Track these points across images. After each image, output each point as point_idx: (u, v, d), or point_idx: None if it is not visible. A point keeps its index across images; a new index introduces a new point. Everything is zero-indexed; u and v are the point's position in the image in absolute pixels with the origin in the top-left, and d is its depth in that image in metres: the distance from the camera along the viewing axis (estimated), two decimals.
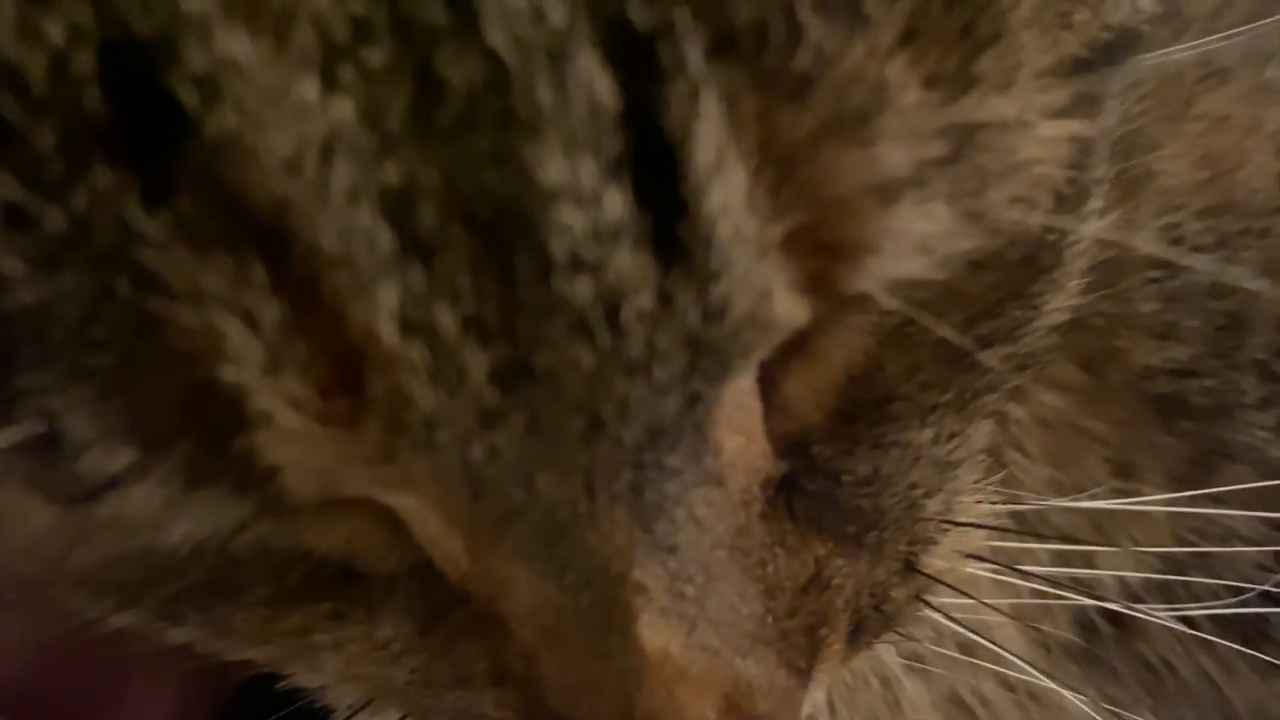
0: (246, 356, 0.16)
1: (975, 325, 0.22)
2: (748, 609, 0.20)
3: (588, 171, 0.15)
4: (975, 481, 0.25)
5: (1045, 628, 0.35)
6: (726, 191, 0.16)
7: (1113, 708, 0.35)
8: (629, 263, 0.16)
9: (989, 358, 0.22)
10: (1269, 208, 0.33)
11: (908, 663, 0.35)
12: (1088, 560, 0.34)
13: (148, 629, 0.24)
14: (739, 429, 0.20)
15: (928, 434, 0.23)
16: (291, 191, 0.15)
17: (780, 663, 0.21)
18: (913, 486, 0.23)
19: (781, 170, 0.16)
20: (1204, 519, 0.32)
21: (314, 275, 0.16)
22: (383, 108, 0.15)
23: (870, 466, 0.22)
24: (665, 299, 0.16)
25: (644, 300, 0.16)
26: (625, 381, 0.17)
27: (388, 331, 0.16)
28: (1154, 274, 0.32)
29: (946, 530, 0.25)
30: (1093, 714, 0.33)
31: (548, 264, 0.16)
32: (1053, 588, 0.30)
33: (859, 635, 0.24)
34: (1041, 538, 0.32)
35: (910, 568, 0.24)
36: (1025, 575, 0.29)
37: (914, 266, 0.18)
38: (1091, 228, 0.23)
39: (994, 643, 0.33)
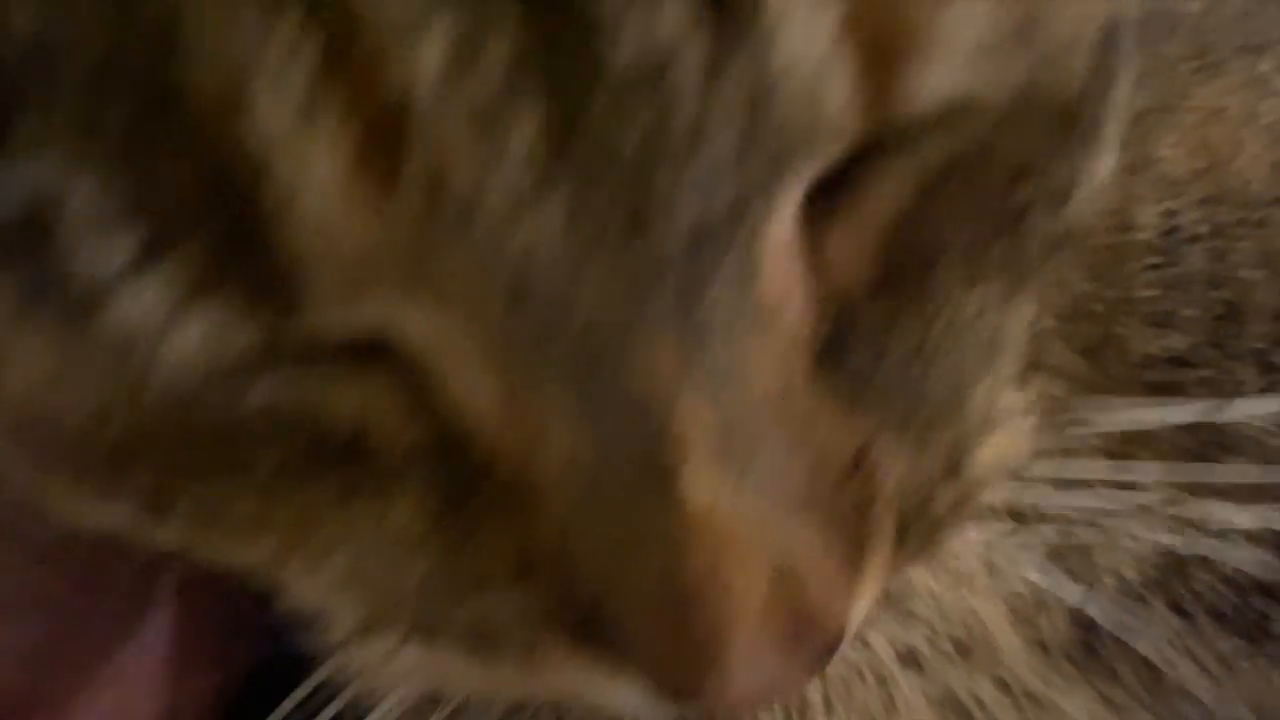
0: (273, 112, 0.14)
1: (1019, 183, 0.21)
2: (796, 472, 0.19)
3: None
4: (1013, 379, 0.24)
5: (1043, 625, 0.34)
6: None
7: (1112, 708, 0.34)
8: (676, 17, 0.15)
9: (1033, 221, 0.21)
10: (1265, 198, 0.33)
11: (903, 661, 0.34)
12: (1085, 556, 0.34)
13: (133, 526, 0.21)
14: (782, 278, 0.19)
15: (973, 306, 0.21)
16: None
17: (829, 541, 0.19)
18: (958, 368, 0.22)
19: None
20: (1203, 511, 0.32)
21: (351, 17, 0.14)
22: None
23: (916, 338, 0.21)
24: (715, 66, 0.15)
25: (692, 61, 0.15)
26: (669, 164, 0.16)
27: (428, 82, 0.14)
28: (1153, 260, 0.32)
29: (990, 432, 0.23)
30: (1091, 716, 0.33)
31: (592, 18, 0.14)
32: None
33: (904, 540, 0.22)
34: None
35: (954, 470, 0.23)
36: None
37: (965, 80, 0.17)
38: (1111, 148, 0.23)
39: (989, 641, 0.33)
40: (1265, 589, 0.33)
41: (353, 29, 0.14)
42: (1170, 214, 0.32)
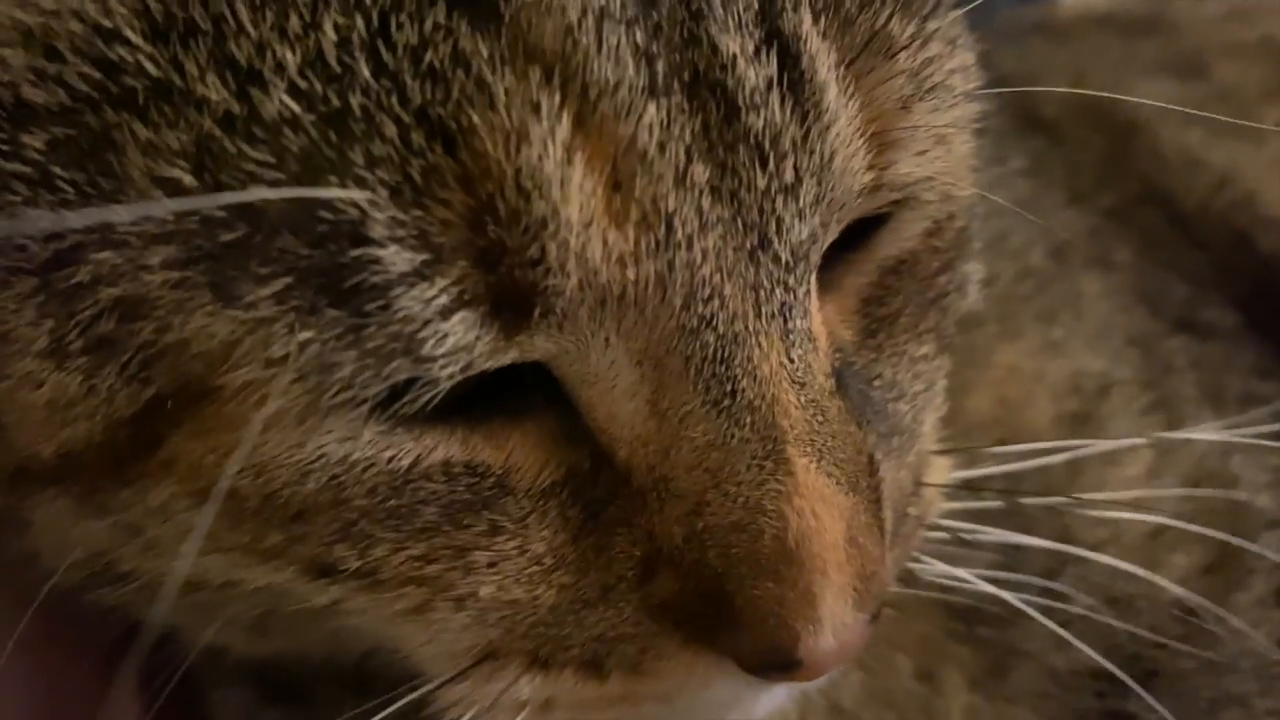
0: (547, 151, 0.21)
1: (941, 274, 0.30)
2: (849, 460, 0.25)
3: (751, 44, 0.23)
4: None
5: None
6: (824, 70, 0.24)
7: None
8: (780, 107, 0.23)
9: (950, 302, 0.30)
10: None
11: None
12: None
13: (289, 586, 0.25)
14: (817, 317, 0.26)
15: (920, 356, 0.29)
16: (579, 39, 0.21)
17: (873, 519, 0.25)
18: (914, 397, 0.29)
19: (856, 77, 0.24)
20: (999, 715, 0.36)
21: (588, 100, 0.21)
22: None
23: (891, 372, 0.28)
24: (804, 140, 0.23)
25: (792, 134, 0.23)
26: (783, 199, 0.23)
27: (646, 140, 0.22)
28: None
29: (930, 458, 0.30)
30: None
31: (734, 107, 0.22)
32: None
33: (896, 533, 0.28)
34: None
35: (917, 488, 0.29)
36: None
37: (921, 168, 0.25)
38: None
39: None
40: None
41: (588, 109, 0.22)
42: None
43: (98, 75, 0.21)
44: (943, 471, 0.30)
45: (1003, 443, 0.35)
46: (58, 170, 0.22)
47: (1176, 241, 0.43)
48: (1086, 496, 0.34)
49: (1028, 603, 0.35)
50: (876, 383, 0.28)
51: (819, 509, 0.24)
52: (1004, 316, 0.39)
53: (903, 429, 0.28)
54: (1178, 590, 0.35)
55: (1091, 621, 0.35)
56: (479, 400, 0.24)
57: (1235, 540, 0.36)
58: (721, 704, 0.26)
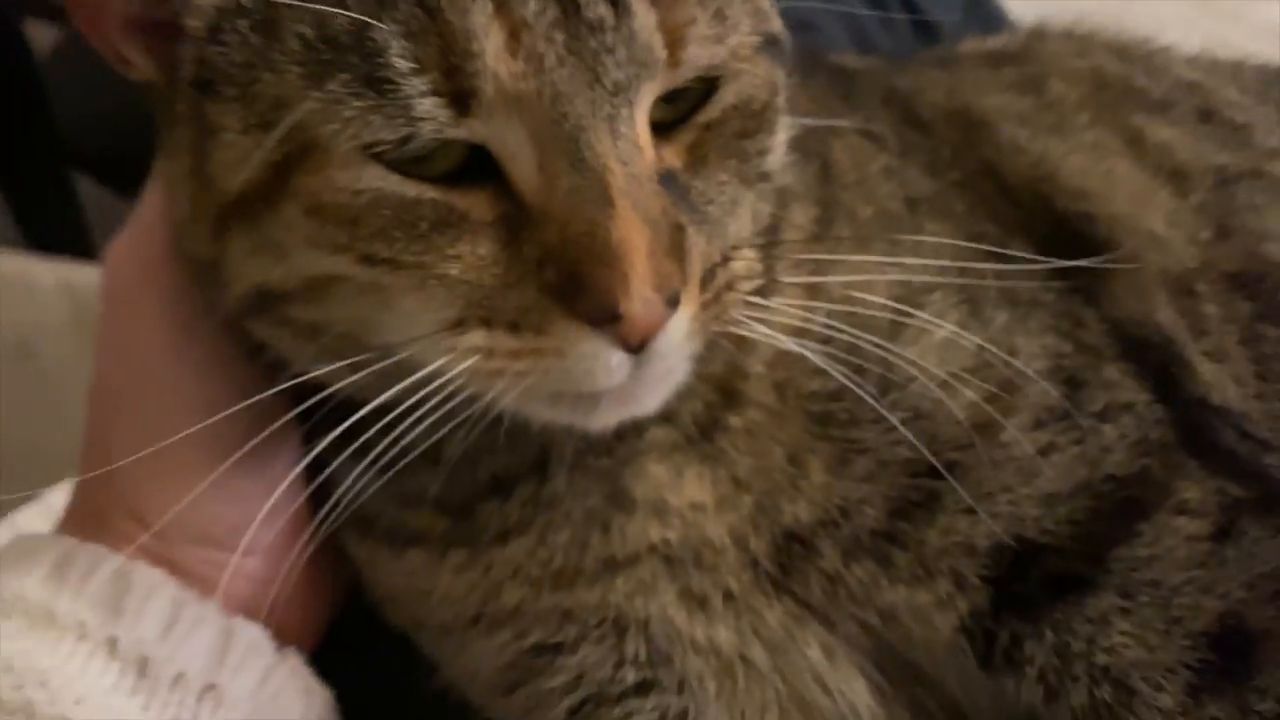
0: (479, 21, 0.41)
1: (745, 138, 0.48)
2: (657, 206, 0.43)
3: None
4: (746, 243, 0.49)
5: (753, 545, 0.54)
6: None
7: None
8: (605, 7, 0.42)
9: (751, 157, 0.48)
10: None
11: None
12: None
13: (352, 272, 0.45)
14: (646, 135, 0.44)
15: (724, 177, 0.47)
16: None
17: (674, 243, 0.43)
18: (719, 204, 0.47)
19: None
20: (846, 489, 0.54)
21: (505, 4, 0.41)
22: None
23: (702, 185, 0.47)
24: (616, 25, 0.42)
25: (611, 23, 0.42)
26: (607, 56, 0.42)
27: (529, 17, 0.41)
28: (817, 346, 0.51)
29: (739, 251, 0.48)
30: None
31: (579, 5, 0.41)
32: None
33: (704, 288, 0.45)
34: None
35: (725, 262, 0.47)
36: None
37: (705, 58, 0.45)
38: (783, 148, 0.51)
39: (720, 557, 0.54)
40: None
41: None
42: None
43: None
44: (746, 256, 0.49)
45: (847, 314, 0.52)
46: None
47: (999, 202, 0.62)
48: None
49: (863, 410, 0.53)
50: (692, 190, 0.46)
51: (629, 229, 0.41)
52: (859, 238, 0.57)
53: (710, 220, 0.47)
54: (963, 413, 0.54)
55: (907, 428, 0.53)
56: (458, 176, 0.43)
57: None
58: (588, 356, 0.43)
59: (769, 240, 0.53)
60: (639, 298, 0.41)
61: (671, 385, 0.48)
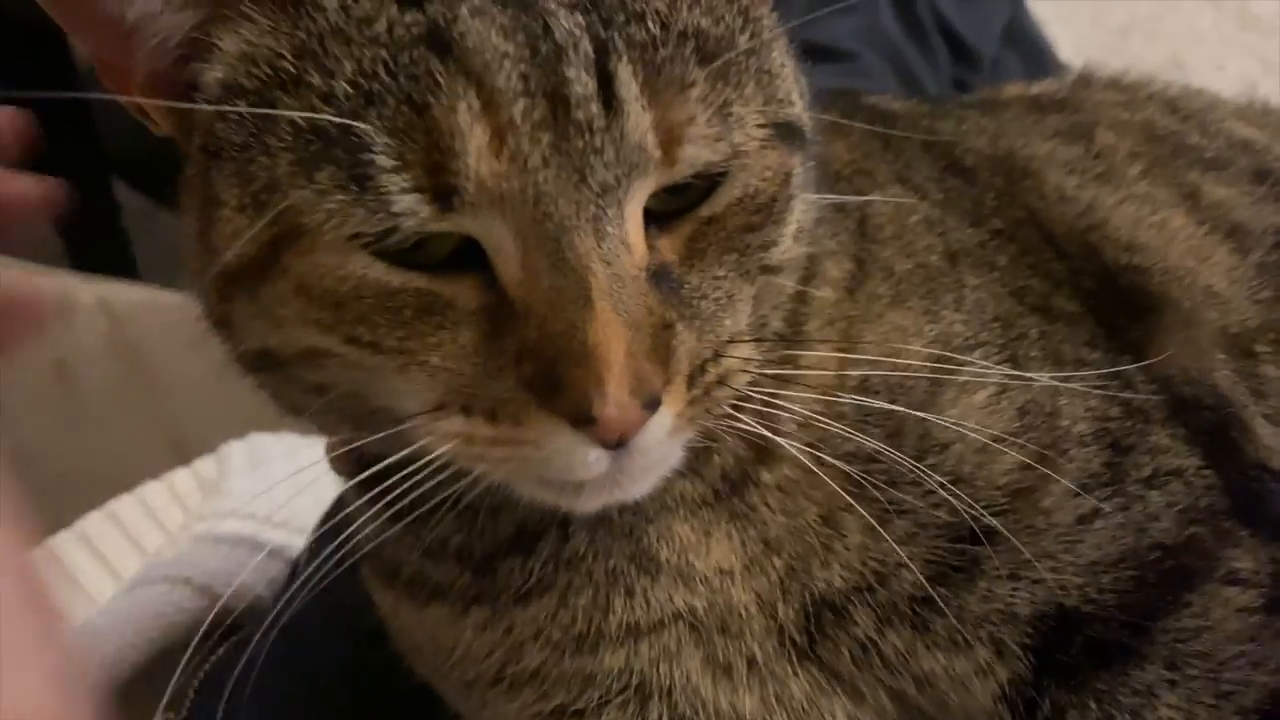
0: (465, 120, 0.40)
1: (746, 232, 0.47)
2: (639, 309, 0.42)
3: (585, 75, 0.41)
4: (744, 335, 0.48)
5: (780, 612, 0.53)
6: (627, 91, 0.41)
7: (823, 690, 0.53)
8: (596, 107, 0.41)
9: (751, 253, 0.47)
10: None
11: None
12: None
13: (340, 350, 0.45)
14: (637, 238, 0.43)
15: (721, 272, 0.46)
16: (490, 66, 0.41)
17: (654, 346, 0.42)
18: (714, 300, 0.46)
19: (652, 96, 0.42)
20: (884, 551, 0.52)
21: (490, 96, 0.41)
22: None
23: (697, 280, 0.46)
24: (607, 125, 0.41)
25: (601, 124, 0.41)
26: (594, 157, 0.41)
27: (516, 118, 0.41)
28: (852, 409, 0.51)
29: (734, 348, 0.47)
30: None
31: (569, 105, 0.41)
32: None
33: (691, 385, 0.45)
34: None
35: (716, 359, 0.46)
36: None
37: (704, 156, 0.44)
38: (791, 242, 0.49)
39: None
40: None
41: (490, 99, 0.42)
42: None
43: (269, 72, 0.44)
44: (742, 352, 0.47)
45: (883, 376, 0.51)
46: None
47: (1045, 252, 0.60)
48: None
49: (901, 472, 0.52)
50: (686, 285, 0.45)
51: (607, 332, 0.41)
52: (897, 294, 0.55)
53: (704, 317, 0.46)
54: (1004, 477, 0.52)
55: (946, 491, 0.52)
56: (443, 265, 0.43)
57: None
58: (564, 451, 0.42)
59: (794, 307, 0.53)
60: (614, 401, 0.41)
61: (660, 474, 0.48)
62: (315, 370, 0.47)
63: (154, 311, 1.19)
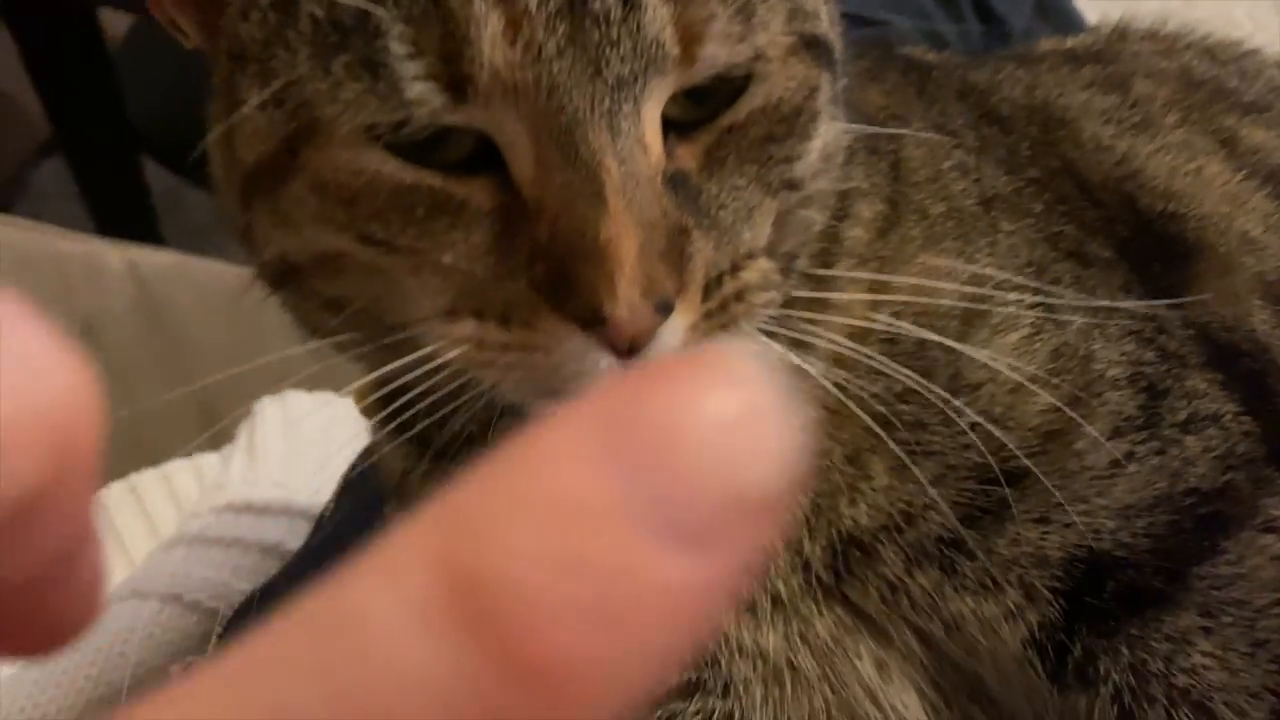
0: (480, 9, 0.40)
1: (768, 143, 0.46)
2: (653, 209, 0.41)
3: None
4: (764, 250, 0.47)
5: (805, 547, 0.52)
6: None
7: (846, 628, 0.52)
8: (612, 1, 0.40)
9: (774, 164, 0.46)
10: None
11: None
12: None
13: (353, 250, 0.45)
14: (653, 134, 0.42)
15: (741, 182, 0.45)
16: None
17: (668, 249, 0.41)
18: (732, 210, 0.45)
19: None
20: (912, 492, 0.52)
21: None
22: None
23: (715, 189, 0.45)
24: (623, 17, 0.40)
25: (618, 15, 0.40)
26: (610, 49, 0.40)
27: (531, 6, 0.40)
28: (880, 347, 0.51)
29: (753, 261, 0.46)
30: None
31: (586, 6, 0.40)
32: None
33: (707, 297, 0.44)
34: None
35: (734, 271, 0.45)
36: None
37: (724, 56, 0.42)
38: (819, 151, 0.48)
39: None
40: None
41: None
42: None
43: None
44: (762, 268, 0.46)
45: (915, 315, 0.51)
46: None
47: (1080, 200, 0.59)
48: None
49: (930, 413, 0.51)
50: (704, 194, 0.44)
51: (619, 229, 0.40)
52: (930, 237, 0.54)
53: (721, 227, 0.45)
54: (1036, 418, 0.51)
55: (976, 432, 0.52)
56: (465, 165, 0.42)
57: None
58: (575, 355, 0.42)
59: (825, 246, 0.52)
60: (625, 301, 0.40)
61: None
62: (332, 280, 0.47)
63: (182, 276, 1.19)
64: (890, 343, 0.50)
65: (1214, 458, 0.52)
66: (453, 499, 0.14)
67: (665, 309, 0.41)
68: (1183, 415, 0.53)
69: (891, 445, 0.51)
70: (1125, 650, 0.50)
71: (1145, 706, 0.49)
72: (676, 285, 0.42)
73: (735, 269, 0.45)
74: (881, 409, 0.51)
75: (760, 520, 0.14)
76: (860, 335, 0.51)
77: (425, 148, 0.42)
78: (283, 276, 0.49)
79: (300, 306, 0.51)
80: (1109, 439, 0.52)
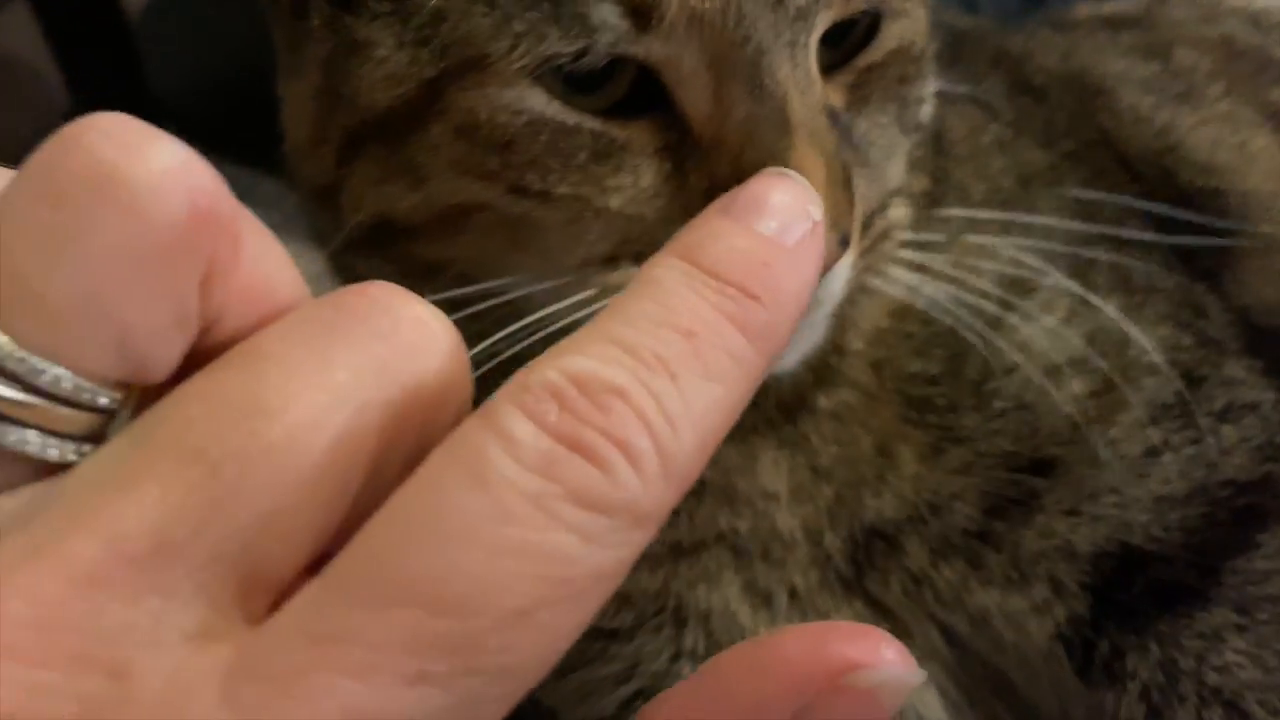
0: None
1: (902, 84, 0.45)
2: (830, 141, 0.40)
3: None
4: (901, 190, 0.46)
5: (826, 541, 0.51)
6: None
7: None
8: None
9: (909, 104, 0.46)
10: None
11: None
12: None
13: (498, 202, 0.41)
14: (815, 68, 0.41)
15: (884, 119, 0.44)
16: None
17: (844, 181, 0.40)
18: (878, 147, 0.44)
19: None
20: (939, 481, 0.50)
21: None
22: None
23: (865, 125, 0.44)
24: None
25: None
26: None
27: None
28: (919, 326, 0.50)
29: (897, 198, 0.45)
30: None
31: None
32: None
33: (866, 230, 0.42)
34: None
35: (883, 209, 0.44)
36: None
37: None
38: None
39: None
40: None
41: None
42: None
43: None
44: (901, 209, 0.46)
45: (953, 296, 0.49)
46: None
47: (1118, 175, 0.57)
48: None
49: (962, 397, 0.50)
50: (855, 130, 0.43)
51: (807, 159, 0.38)
52: (969, 218, 0.52)
53: (871, 163, 0.43)
54: (1069, 405, 0.50)
55: (1008, 418, 0.50)
56: (619, 109, 0.40)
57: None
58: None
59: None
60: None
61: (813, 343, 0.45)
62: (449, 239, 0.44)
63: None
64: (927, 323, 0.49)
65: (1252, 448, 0.50)
66: (671, 245, 0.28)
67: (845, 242, 0.40)
68: (1220, 404, 0.51)
69: (920, 434, 0.49)
70: (1155, 647, 0.48)
71: (1175, 704, 0.47)
72: (851, 218, 0.40)
73: (883, 207, 0.44)
74: (915, 392, 0.50)
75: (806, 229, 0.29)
76: (900, 313, 0.49)
77: (582, 88, 0.40)
78: (376, 238, 0.45)
79: (384, 272, 0.48)
80: (1143, 427, 0.50)
